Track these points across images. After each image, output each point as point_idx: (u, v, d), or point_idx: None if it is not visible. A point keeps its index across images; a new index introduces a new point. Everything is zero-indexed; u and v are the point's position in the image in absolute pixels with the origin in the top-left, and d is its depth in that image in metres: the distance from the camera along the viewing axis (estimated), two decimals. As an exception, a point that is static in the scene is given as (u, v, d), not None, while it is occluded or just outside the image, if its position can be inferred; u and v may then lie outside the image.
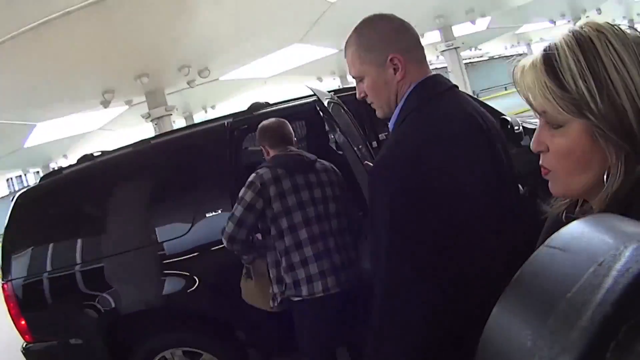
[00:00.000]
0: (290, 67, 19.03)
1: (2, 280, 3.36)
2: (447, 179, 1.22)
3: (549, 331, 0.51)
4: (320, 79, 22.14)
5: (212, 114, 21.82)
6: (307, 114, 3.95)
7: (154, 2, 8.28)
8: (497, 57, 29.88)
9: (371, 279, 1.33)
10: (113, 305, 3.22)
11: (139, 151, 3.62)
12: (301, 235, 2.43)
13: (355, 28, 1.43)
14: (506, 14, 18.51)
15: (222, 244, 2.50)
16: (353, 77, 1.45)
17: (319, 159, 2.67)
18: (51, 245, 3.40)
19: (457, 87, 1.44)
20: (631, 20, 30.57)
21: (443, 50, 17.08)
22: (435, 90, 1.36)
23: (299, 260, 2.42)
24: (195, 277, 3.14)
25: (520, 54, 27.93)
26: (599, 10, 22.20)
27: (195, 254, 3.15)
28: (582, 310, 0.50)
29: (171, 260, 3.16)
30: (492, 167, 1.32)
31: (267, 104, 3.55)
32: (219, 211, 3.08)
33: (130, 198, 3.46)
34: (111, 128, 18.52)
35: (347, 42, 1.44)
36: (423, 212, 1.20)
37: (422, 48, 1.43)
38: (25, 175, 27.45)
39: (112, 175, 3.53)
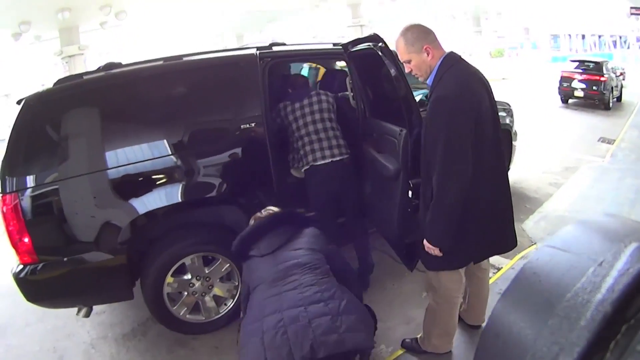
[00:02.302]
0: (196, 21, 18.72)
1: (1, 192, 2.98)
2: (474, 103, 2.32)
3: (549, 331, 0.55)
4: (221, 36, 22.58)
5: (107, 59, 20.73)
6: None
7: None
8: None
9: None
10: (137, 212, 3.14)
11: (172, 65, 3.54)
12: (305, 130, 3.61)
13: (400, 32, 2.47)
14: (413, 1, 19.48)
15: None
16: (403, 62, 2.53)
17: (318, 91, 3.80)
18: (67, 151, 3.13)
19: (462, 56, 2.47)
20: (527, 29, 33.23)
21: (349, 26, 17.50)
22: (453, 60, 2.43)
23: (306, 143, 3.60)
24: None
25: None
26: (499, 14, 24.08)
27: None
28: (582, 310, 0.53)
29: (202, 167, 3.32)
30: (488, 99, 2.43)
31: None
32: (253, 124, 3.46)
33: (162, 107, 3.38)
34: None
35: (397, 41, 2.48)
36: (464, 121, 2.25)
37: (437, 38, 2.47)
38: None
39: (142, 86, 3.41)
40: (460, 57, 2.46)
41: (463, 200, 2.31)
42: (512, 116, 5.70)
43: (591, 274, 0.56)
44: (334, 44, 4.18)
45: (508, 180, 2.61)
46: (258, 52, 3.62)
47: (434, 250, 2.44)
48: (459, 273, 2.65)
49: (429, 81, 2.48)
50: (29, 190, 3.02)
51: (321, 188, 3.57)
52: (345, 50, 3.71)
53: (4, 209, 2.96)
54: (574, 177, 6.67)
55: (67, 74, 4.23)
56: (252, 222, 2.82)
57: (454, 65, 2.40)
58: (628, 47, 35.81)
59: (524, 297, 0.63)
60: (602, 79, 13.72)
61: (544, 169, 7.24)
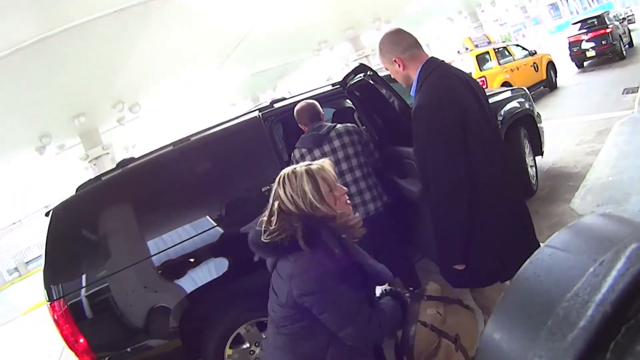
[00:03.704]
0: (206, 94, 19.35)
1: (48, 300, 3.14)
2: (457, 107, 2.17)
3: (550, 331, 0.54)
4: (234, 104, 22.69)
5: (133, 152, 21.67)
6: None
7: (87, 43, 8.25)
8: None
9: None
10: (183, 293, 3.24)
11: (187, 146, 3.67)
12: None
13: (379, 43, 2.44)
14: (408, 18, 19.59)
15: None
16: (385, 68, 2.50)
17: (339, 124, 3.37)
18: (97, 251, 3.33)
19: (444, 60, 2.37)
20: (523, 7, 33.06)
21: (355, 60, 17.93)
22: (433, 65, 2.30)
23: None
24: None
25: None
26: (493, 3, 23.77)
27: None
28: (582, 310, 0.52)
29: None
30: (477, 101, 2.29)
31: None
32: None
33: (182, 189, 3.48)
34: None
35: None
36: (447, 127, 2.14)
37: (416, 44, 2.39)
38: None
39: (159, 173, 3.56)
40: (441, 61, 2.36)
41: (466, 209, 2.18)
42: (530, 100, 5.61)
43: (591, 274, 0.55)
44: (333, 84, 4.23)
45: (518, 184, 2.52)
46: (260, 113, 3.71)
47: (457, 267, 2.30)
48: (499, 285, 2.40)
49: (412, 92, 2.39)
50: (74, 294, 3.17)
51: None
52: (343, 88, 3.75)
53: (55, 316, 3.10)
54: (609, 138, 6.41)
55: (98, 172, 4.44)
56: None
57: (433, 71, 2.28)
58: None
59: (524, 297, 0.63)
60: (608, 30, 13.52)
61: (577, 140, 7.05)
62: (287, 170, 1.94)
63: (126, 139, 19.81)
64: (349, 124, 3.40)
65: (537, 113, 5.69)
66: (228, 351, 3.32)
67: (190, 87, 15.53)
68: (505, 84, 10.55)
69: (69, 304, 3.11)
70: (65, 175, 17.75)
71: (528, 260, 0.67)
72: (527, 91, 5.70)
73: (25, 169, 15.34)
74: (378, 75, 3.20)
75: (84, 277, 3.22)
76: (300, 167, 1.92)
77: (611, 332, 0.50)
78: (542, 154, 5.70)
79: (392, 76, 2.50)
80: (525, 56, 12.24)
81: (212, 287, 3.33)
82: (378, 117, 3.81)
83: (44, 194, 20.32)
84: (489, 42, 13.63)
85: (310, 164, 1.94)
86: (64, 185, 17.87)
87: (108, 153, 12.78)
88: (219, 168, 3.55)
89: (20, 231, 26.22)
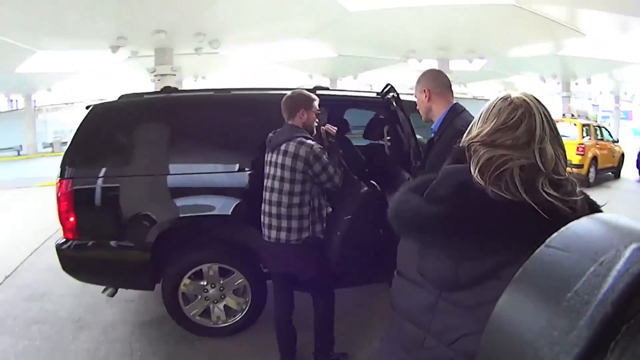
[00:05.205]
0: (289, 59, 19.84)
1: (59, 177, 3.50)
2: None
3: (549, 332, 0.55)
4: (311, 76, 23.16)
5: (201, 83, 22.68)
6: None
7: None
8: (480, 98, 30.29)
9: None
10: (167, 217, 3.60)
11: (217, 96, 4.04)
12: (265, 196, 3.09)
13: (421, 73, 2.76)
14: (501, 61, 19.47)
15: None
16: (415, 96, 2.77)
17: (301, 141, 2.95)
18: (118, 154, 3.68)
19: (466, 109, 2.63)
20: (617, 97, 31.64)
21: None
22: (461, 108, 2.62)
23: (262, 210, 3.09)
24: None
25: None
26: (589, 81, 23.18)
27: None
28: (582, 310, 0.53)
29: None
30: None
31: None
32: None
33: (211, 130, 3.75)
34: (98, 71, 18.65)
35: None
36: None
37: (449, 88, 2.70)
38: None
39: (193, 110, 3.87)
40: (464, 108, 2.65)
41: None
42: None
43: (591, 274, 0.57)
44: (377, 93, 4.23)
45: None
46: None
47: None
48: None
49: (434, 126, 2.67)
50: (81, 180, 3.57)
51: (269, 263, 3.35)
52: (382, 98, 3.91)
53: (59, 193, 3.47)
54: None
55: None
56: None
57: (462, 112, 2.60)
58: None
59: (523, 297, 0.66)
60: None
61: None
62: None
63: (198, 69, 20.64)
64: (310, 144, 2.96)
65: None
66: (186, 280, 3.61)
67: (274, 46, 15.95)
68: (594, 158, 12.02)
69: (74, 187, 3.50)
70: (130, 80, 18.57)
71: (528, 260, 0.68)
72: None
73: (95, 61, 16.20)
74: (400, 99, 3.40)
75: (97, 170, 3.62)
76: None
77: (611, 332, 0.52)
78: None
79: (417, 106, 2.76)
80: (610, 142, 13.77)
81: (202, 221, 3.72)
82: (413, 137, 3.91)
83: (102, 89, 21.12)
84: (587, 118, 14.03)
85: None
86: (124, 88, 18.74)
87: (175, 74, 13.29)
88: (237, 127, 3.77)
89: (69, 113, 27.11)
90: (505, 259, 0.98)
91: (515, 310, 0.64)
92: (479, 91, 29.69)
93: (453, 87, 2.75)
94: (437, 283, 1.10)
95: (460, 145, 1.15)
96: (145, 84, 14.01)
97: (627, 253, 0.57)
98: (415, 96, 2.75)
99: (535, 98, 1.13)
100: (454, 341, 1.06)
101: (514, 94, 1.13)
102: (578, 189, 1.05)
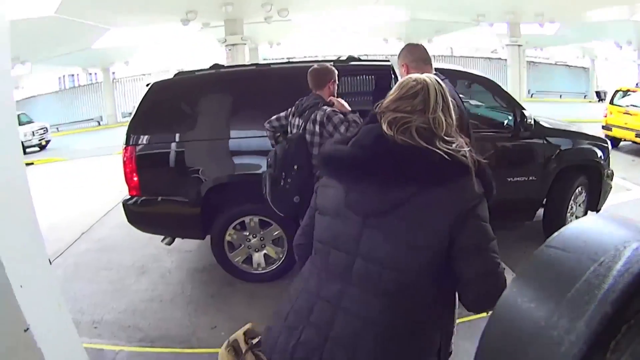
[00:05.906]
0: (360, 25, 19.82)
1: (125, 144, 4.13)
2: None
3: (549, 332, 0.56)
4: (386, 40, 22.87)
5: (276, 49, 23.42)
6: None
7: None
8: (561, 63, 28.87)
9: None
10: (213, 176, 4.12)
11: (260, 70, 4.59)
12: None
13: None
14: (574, 26, 18.41)
15: None
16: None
17: (322, 108, 3.26)
18: (173, 124, 4.21)
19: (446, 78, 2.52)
20: None
21: (507, 44, 17.59)
22: (439, 78, 2.81)
23: None
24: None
25: (584, 68, 27.10)
26: None
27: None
28: (582, 310, 0.54)
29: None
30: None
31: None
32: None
33: (249, 101, 4.20)
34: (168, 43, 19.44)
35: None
36: None
37: (426, 60, 2.81)
38: (77, 75, 27.36)
39: (238, 82, 4.36)
40: (444, 77, 2.72)
41: None
42: (607, 155, 5.31)
43: (591, 273, 0.58)
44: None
45: None
46: (333, 65, 4.09)
47: None
48: None
49: None
50: (143, 146, 4.20)
51: None
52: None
53: (125, 157, 4.13)
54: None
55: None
56: None
57: (443, 80, 2.59)
58: None
59: (523, 297, 0.66)
60: None
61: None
62: None
63: (274, 36, 21.25)
64: (325, 109, 3.26)
65: (611, 171, 5.34)
66: (230, 230, 4.21)
67: (345, 11, 16.03)
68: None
69: (137, 152, 4.14)
70: (204, 49, 19.30)
71: (528, 260, 0.69)
72: (609, 146, 5.42)
73: (170, 33, 16.86)
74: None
75: (155, 137, 4.23)
76: None
77: (611, 332, 0.53)
78: (597, 211, 5.29)
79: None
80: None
81: (249, 179, 4.07)
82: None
83: (178, 60, 22.19)
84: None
85: None
86: (198, 58, 19.54)
87: (245, 44, 13.88)
88: (274, 94, 4.06)
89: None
90: (415, 188, 1.33)
91: (515, 310, 0.65)
92: (560, 56, 28.17)
93: (526, 51, 2.83)
94: (362, 212, 1.39)
95: (374, 111, 1.48)
96: (220, 53, 14.55)
97: (627, 253, 0.58)
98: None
99: (436, 80, 1.47)
100: (380, 258, 1.35)
101: (420, 76, 1.47)
102: (466, 147, 1.39)
